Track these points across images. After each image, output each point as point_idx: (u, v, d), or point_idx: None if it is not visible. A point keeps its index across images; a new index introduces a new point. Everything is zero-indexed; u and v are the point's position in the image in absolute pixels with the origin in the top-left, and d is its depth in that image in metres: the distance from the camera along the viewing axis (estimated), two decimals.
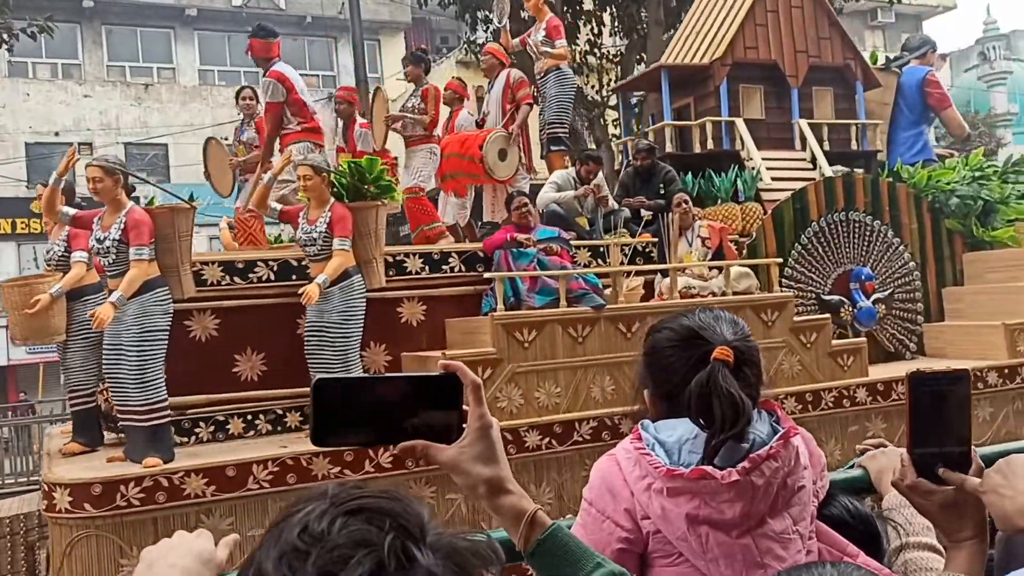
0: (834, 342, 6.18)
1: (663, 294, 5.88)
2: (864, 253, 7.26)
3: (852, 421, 6.05)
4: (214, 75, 26.17)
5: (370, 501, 0.78)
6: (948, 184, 7.68)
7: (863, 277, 7.11)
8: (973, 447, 1.36)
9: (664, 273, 6.09)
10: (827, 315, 6.20)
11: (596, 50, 15.11)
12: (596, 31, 14.96)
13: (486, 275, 5.45)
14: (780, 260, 6.21)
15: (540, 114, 7.44)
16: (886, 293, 7.27)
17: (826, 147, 7.87)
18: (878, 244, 7.32)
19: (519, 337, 5.20)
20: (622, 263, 6.30)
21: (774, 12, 7.80)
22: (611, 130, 14.40)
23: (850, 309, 7.04)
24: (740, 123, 7.47)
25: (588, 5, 14.77)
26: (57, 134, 23.57)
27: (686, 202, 6.22)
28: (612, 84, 15.28)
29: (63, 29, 19.88)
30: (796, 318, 6.02)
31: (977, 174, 7.94)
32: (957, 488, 1.31)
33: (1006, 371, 6.59)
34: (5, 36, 13.21)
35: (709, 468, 1.41)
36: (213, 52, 26.22)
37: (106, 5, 24.45)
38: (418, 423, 1.09)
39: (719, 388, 1.42)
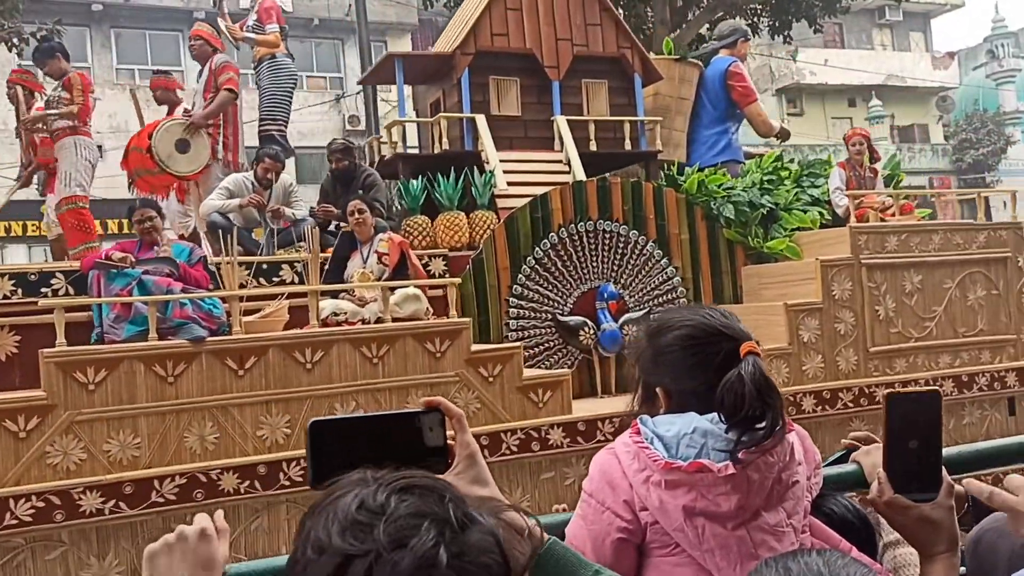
0: (529, 374, 5.31)
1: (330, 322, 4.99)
2: (617, 268, 6.41)
3: (547, 467, 5.19)
4: None
5: (417, 480, 0.88)
6: (724, 189, 6.83)
7: (606, 295, 6.26)
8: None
9: (334, 295, 5.21)
10: (516, 344, 5.33)
11: None
12: None
13: (41, 303, 4.55)
14: (457, 280, 5.32)
15: (259, 108, 6.56)
16: (641, 313, 6.41)
17: (594, 147, 7.01)
18: (634, 257, 6.46)
19: (82, 378, 4.31)
20: (294, 282, 5.44)
21: None
22: None
23: (591, 332, 6.19)
24: (480, 120, 6.59)
25: None
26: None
27: (360, 211, 5.33)
28: None
29: (72, 33, 19.70)
30: (475, 347, 5.15)
31: (768, 178, 7.11)
32: (932, 504, 1.39)
33: None
34: (15, 40, 13.18)
35: (706, 461, 1.47)
36: None
37: (115, 8, 24.38)
38: (410, 456, 1.13)
39: (769, 382, 1.49)
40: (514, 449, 5.07)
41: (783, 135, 8.37)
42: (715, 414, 1.53)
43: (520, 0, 6.88)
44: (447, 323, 5.04)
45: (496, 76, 6.88)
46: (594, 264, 6.35)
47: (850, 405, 6.00)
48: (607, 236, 6.40)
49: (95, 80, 24.80)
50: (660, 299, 6.53)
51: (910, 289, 6.36)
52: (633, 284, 6.45)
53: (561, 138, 6.82)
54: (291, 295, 5.05)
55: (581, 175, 6.59)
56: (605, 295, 6.25)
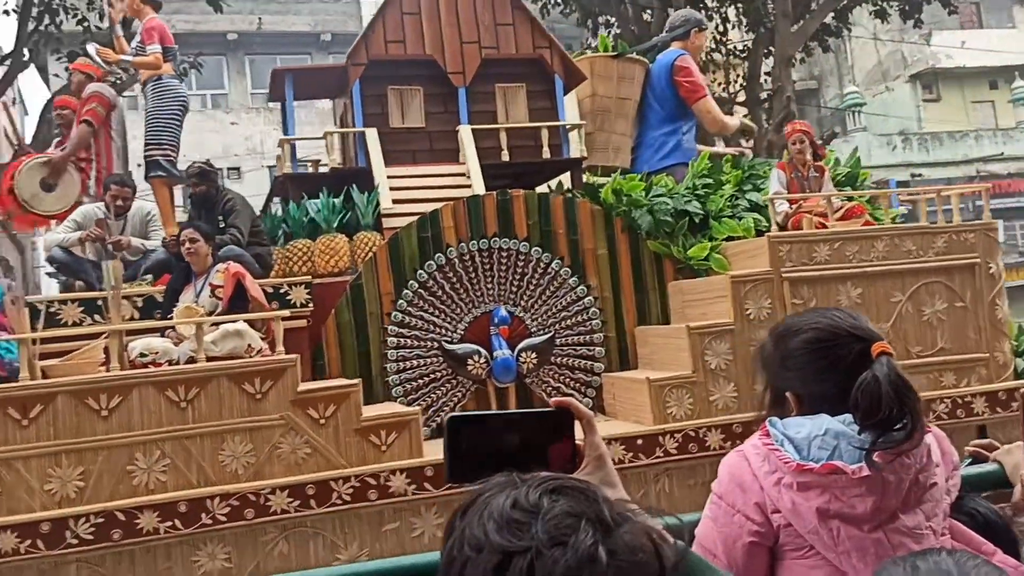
0: (370, 413, 4.81)
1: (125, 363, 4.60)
2: (516, 289, 5.83)
3: (390, 517, 4.68)
4: None
5: (565, 481, 0.92)
6: (649, 197, 6.15)
7: (498, 320, 5.69)
8: None
9: (161, 333, 4.84)
10: (353, 382, 4.81)
11: (722, 46, 14.77)
12: (721, 27, 14.68)
13: None
14: (285, 312, 4.85)
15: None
16: (543, 338, 5.81)
17: (506, 157, 6.46)
18: (537, 277, 5.87)
19: None
20: (132, 319, 5.09)
21: None
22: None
23: (482, 360, 5.63)
24: (371, 134, 6.13)
25: (711, 1, 14.35)
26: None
27: (192, 240, 4.94)
28: (740, 80, 14.66)
29: (210, 62, 21.44)
30: (304, 386, 4.66)
31: (705, 181, 6.39)
32: None
33: (639, 442, 5.09)
34: None
35: (840, 463, 1.47)
36: None
37: (248, 36, 26.11)
38: (540, 455, 1.15)
39: (906, 382, 1.50)
40: (347, 498, 4.58)
41: (747, 131, 7.61)
42: (847, 415, 1.51)
43: (418, 3, 6.38)
44: (267, 361, 4.59)
45: (396, 86, 6.40)
46: (489, 286, 5.79)
47: None
48: (504, 254, 5.83)
49: (231, 105, 26.05)
50: (568, 321, 5.91)
51: (847, 304, 5.54)
52: (536, 307, 5.86)
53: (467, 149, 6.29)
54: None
55: (481, 188, 6.04)
56: (497, 319, 5.70)
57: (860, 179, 6.62)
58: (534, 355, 5.75)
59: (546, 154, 6.53)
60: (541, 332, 5.83)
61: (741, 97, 14.84)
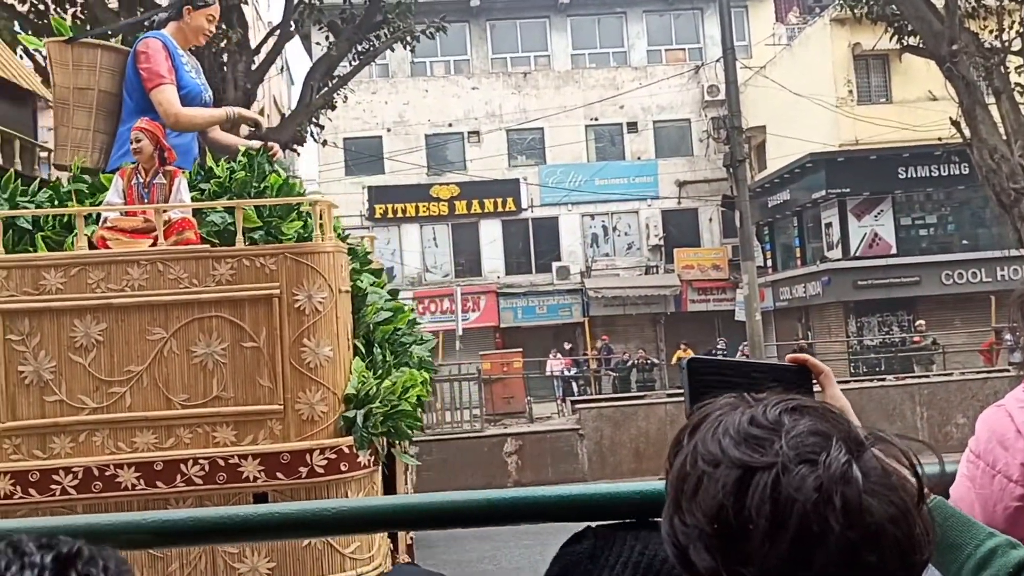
0: None
1: None
2: None
3: None
4: (585, 58, 27.96)
5: (803, 401, 0.87)
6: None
7: None
8: None
9: None
10: None
11: None
12: None
13: None
14: None
15: None
16: None
17: None
18: None
19: None
20: None
21: None
22: (1014, 78, 13.12)
23: None
24: None
25: None
26: (450, 125, 27.12)
27: None
28: (1016, 27, 13.55)
29: (453, 28, 22.22)
30: None
31: (77, 188, 5.60)
32: None
33: None
34: (408, 38, 14.72)
35: None
36: (584, 36, 28.02)
37: (490, 2, 27.04)
38: None
39: None
40: None
41: (255, 124, 6.70)
42: None
43: None
44: None
45: None
46: None
47: None
48: None
49: (473, 71, 27.04)
50: None
51: (85, 342, 4.66)
52: None
53: None
54: None
55: None
56: None
57: (270, 188, 5.59)
58: None
59: None
60: None
61: (1017, 45, 13.25)
